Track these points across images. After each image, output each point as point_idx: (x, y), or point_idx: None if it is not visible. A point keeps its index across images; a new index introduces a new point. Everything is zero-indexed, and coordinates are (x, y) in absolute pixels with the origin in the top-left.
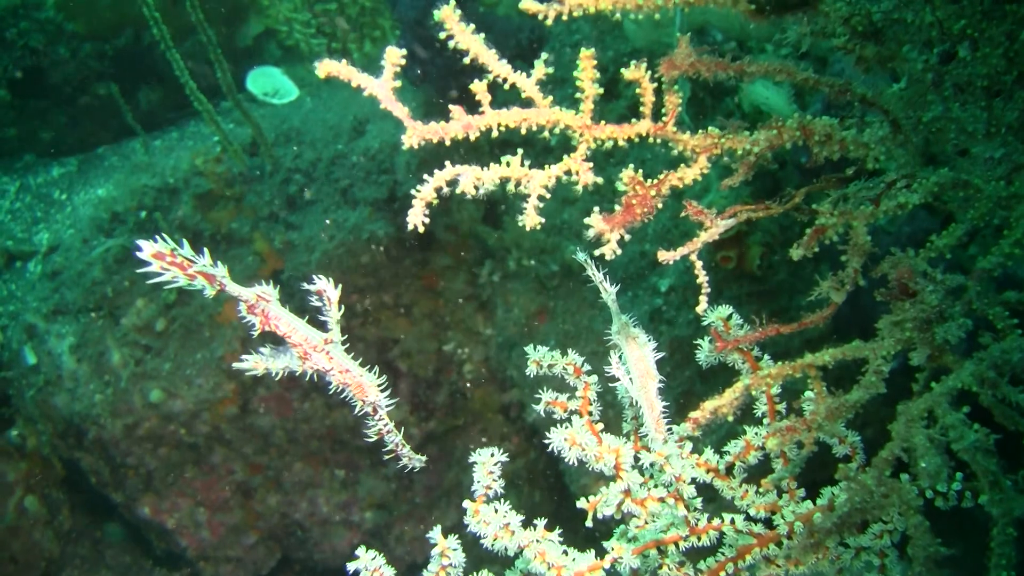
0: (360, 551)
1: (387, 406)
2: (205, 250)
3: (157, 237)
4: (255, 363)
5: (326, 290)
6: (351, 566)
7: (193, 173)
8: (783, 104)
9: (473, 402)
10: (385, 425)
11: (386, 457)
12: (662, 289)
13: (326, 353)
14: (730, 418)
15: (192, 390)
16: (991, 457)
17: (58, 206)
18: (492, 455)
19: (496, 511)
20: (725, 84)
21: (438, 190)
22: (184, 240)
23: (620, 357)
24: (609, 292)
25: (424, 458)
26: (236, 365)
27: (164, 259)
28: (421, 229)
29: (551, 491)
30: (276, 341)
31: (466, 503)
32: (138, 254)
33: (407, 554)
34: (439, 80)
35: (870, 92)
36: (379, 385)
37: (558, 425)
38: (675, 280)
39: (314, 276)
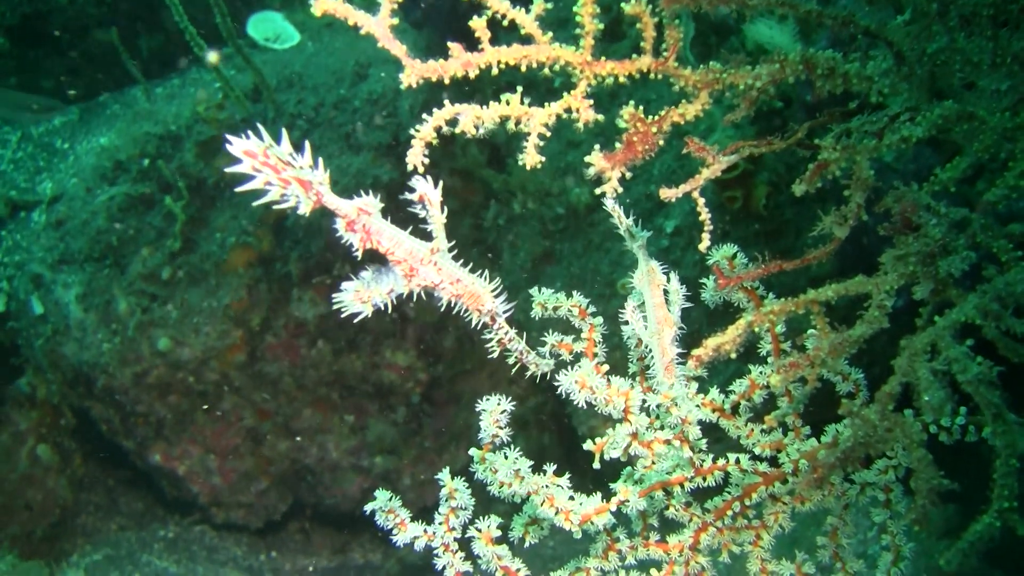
0: (378, 492)
1: (506, 312)
2: (307, 144)
3: (250, 132)
4: (358, 296)
5: (428, 193)
6: (368, 507)
7: (195, 120)
8: (787, 43)
9: (480, 346)
10: (506, 333)
11: (514, 369)
12: (668, 230)
13: (434, 264)
14: (733, 355)
15: (200, 338)
16: (994, 389)
17: (60, 155)
18: (499, 403)
19: (506, 457)
20: (728, 22)
21: (438, 129)
22: (283, 130)
23: (639, 301)
24: (637, 238)
25: (552, 362)
26: (337, 303)
27: (256, 158)
28: (421, 169)
29: (559, 433)
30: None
31: (472, 451)
32: (228, 148)
33: (418, 498)
34: (441, 23)
35: (874, 23)
36: (494, 291)
37: (567, 368)
38: (680, 221)
39: (416, 178)
